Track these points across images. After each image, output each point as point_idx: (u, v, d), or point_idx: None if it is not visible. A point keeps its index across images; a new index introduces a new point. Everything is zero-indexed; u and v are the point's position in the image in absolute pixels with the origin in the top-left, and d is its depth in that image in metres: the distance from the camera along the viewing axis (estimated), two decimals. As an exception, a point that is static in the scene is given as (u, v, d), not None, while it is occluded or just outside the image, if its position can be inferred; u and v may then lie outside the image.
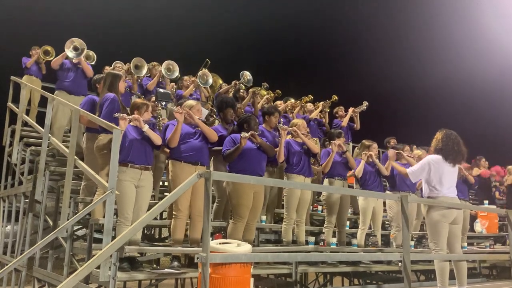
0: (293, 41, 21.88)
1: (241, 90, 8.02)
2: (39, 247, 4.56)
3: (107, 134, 4.76)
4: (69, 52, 6.90)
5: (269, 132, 6.00)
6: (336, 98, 9.17)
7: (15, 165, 7.46)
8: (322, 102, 8.99)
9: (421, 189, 5.36)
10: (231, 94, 7.72)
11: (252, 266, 3.29)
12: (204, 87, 7.96)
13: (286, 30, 21.26)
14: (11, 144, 7.78)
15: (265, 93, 8.44)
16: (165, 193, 6.02)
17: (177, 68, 7.48)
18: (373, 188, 6.34)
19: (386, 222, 7.17)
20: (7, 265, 6.49)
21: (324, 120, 8.89)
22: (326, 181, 6.36)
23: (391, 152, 6.60)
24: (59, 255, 5.61)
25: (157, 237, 6.97)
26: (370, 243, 6.21)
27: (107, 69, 7.59)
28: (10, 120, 8.08)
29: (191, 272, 4.62)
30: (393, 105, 20.02)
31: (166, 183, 6.16)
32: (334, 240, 6.00)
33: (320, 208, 7.11)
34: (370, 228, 6.50)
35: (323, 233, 6.18)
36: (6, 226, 7.79)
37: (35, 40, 8.99)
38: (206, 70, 7.87)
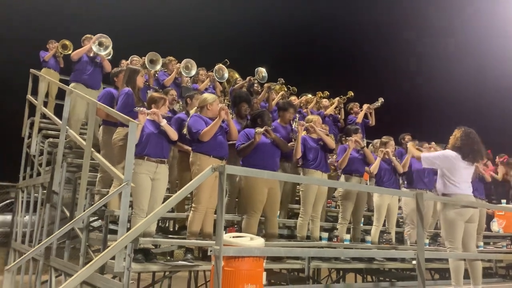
0: (310, 38, 21.77)
1: (255, 85, 8.02)
2: (56, 237, 4.65)
3: (123, 127, 4.82)
4: (94, 47, 6.99)
5: (283, 128, 6.00)
6: (352, 94, 9.10)
7: (34, 156, 7.61)
8: (337, 98, 8.93)
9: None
10: (245, 89, 7.73)
11: (264, 260, 3.31)
12: (220, 82, 7.98)
13: (304, 27, 21.17)
14: (30, 136, 7.93)
15: (279, 88, 8.42)
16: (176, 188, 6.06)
17: (195, 66, 7.51)
18: (389, 186, 6.29)
19: (401, 220, 7.11)
20: (24, 253, 6.66)
21: (339, 116, 8.84)
22: (342, 177, 6.34)
23: (410, 144, 6.49)
24: (75, 245, 5.71)
25: (171, 229, 7.04)
26: (384, 240, 6.17)
27: (124, 62, 7.66)
28: (29, 112, 8.22)
29: (204, 265, 4.66)
30: (410, 102, 19.81)
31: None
32: (348, 236, 5.98)
33: (334, 204, 7.09)
34: (384, 225, 6.46)
35: (337, 229, 6.17)
36: (25, 216, 7.95)
37: (53, 33, 9.13)
38: (222, 65, 7.89)
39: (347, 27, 20.76)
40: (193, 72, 7.52)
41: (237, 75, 8.70)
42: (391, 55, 20.38)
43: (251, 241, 3.30)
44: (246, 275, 3.11)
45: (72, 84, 7.04)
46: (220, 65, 7.88)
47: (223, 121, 4.97)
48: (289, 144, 5.69)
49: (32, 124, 7.80)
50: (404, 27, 20.28)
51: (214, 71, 7.63)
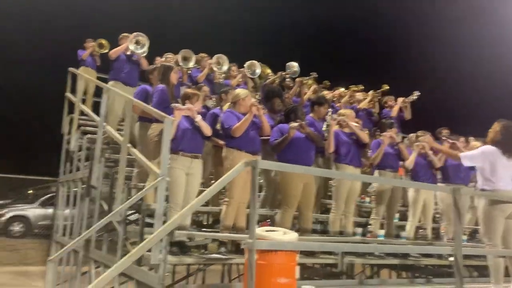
0: (345, 31, 21.50)
1: (287, 80, 8.00)
2: (95, 230, 4.82)
3: (159, 123, 4.92)
4: (131, 45, 7.15)
5: (317, 122, 5.97)
6: (387, 87, 8.92)
7: (73, 152, 7.88)
8: (372, 92, 8.77)
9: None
10: (277, 84, 7.72)
11: (298, 255, 3.32)
12: (251, 77, 8.00)
13: (337, 21, 20.92)
14: (69, 132, 8.21)
15: (312, 83, 8.35)
16: (212, 181, 6.14)
17: (226, 62, 7.55)
18: (425, 181, 6.15)
19: (437, 215, 6.94)
20: (65, 245, 6.93)
21: (373, 110, 8.67)
22: (376, 172, 6.25)
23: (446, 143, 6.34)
24: (113, 238, 5.89)
25: (205, 223, 7.15)
26: (419, 236, 6.05)
27: (158, 60, 7.80)
28: (68, 109, 8.51)
29: (238, 258, 4.72)
30: (448, 95, 19.25)
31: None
32: (382, 232, 5.90)
33: (368, 199, 7.00)
34: (420, 221, 6.33)
35: (370, 224, 6.09)
36: (65, 210, 8.26)
37: (91, 32, 9.40)
38: (255, 61, 7.90)
39: (383, 20, 20.36)
40: (225, 68, 7.57)
41: (268, 70, 8.69)
42: (430, 47, 19.86)
43: (284, 235, 3.31)
44: (279, 269, 3.13)
45: (110, 83, 7.24)
46: (252, 61, 7.90)
47: (255, 117, 5.00)
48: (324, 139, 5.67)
49: (71, 121, 8.07)
50: (443, 20, 19.69)
51: (246, 67, 7.66)
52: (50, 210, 13.73)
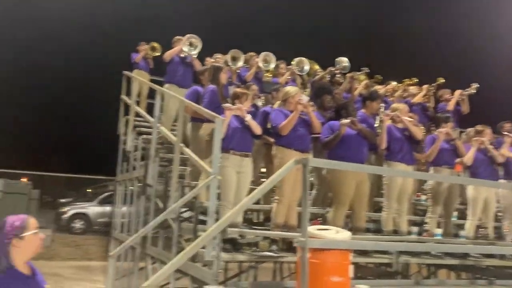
0: (397, 23, 20.88)
1: (337, 76, 7.87)
2: (151, 227, 4.99)
3: (210, 123, 5.02)
4: (185, 47, 7.33)
5: (370, 118, 5.83)
6: (443, 80, 8.55)
7: (129, 152, 8.20)
8: (426, 85, 8.44)
9: None
10: (326, 80, 7.62)
11: (351, 254, 3.27)
12: (300, 74, 7.95)
13: (389, 14, 20.36)
14: (125, 133, 8.56)
15: (363, 78, 8.16)
16: (262, 179, 6.17)
17: (274, 59, 7.56)
18: (485, 178, 5.83)
19: (499, 214, 6.58)
20: (123, 241, 7.22)
21: (429, 105, 8.33)
22: (431, 169, 6.01)
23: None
24: (168, 235, 6.07)
25: (256, 221, 7.20)
26: (480, 235, 5.77)
27: (208, 60, 7.94)
28: (124, 111, 8.87)
29: (289, 257, 4.71)
30: (509, 87, 18.17)
31: (263, 170, 6.30)
32: (439, 231, 5.68)
33: (423, 197, 6.75)
34: (480, 219, 6.03)
35: (427, 223, 5.88)
36: (123, 208, 8.62)
37: (143, 35, 9.73)
38: (304, 58, 7.85)
39: (438, 13, 19.59)
40: (272, 65, 7.57)
41: (317, 67, 8.59)
42: (488, 40, 18.85)
43: (337, 234, 3.28)
44: (332, 268, 3.10)
45: (166, 85, 7.45)
46: (301, 57, 7.85)
47: (304, 114, 4.97)
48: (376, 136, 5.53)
49: (127, 122, 8.41)
50: (504, 13, 18.63)
51: (294, 63, 7.63)
52: (108, 208, 14.37)
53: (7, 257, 2.23)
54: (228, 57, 7.26)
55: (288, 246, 4.83)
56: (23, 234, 2.28)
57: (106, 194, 15.50)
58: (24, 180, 14.12)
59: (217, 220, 4.24)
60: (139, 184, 7.18)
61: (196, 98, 5.73)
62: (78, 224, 14.54)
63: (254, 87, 6.16)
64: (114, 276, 5.27)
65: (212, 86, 5.31)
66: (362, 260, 5.12)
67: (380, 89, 8.00)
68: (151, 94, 8.51)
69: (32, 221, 2.36)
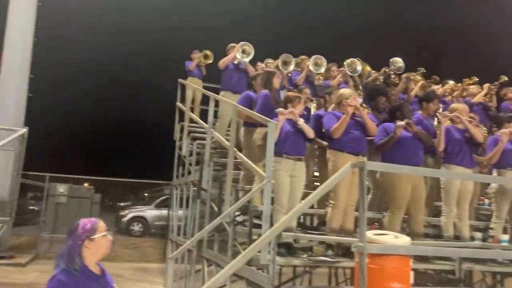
0: (452, 20, 20.07)
1: (392, 76, 7.66)
2: (207, 231, 5.09)
3: (263, 128, 5.06)
4: (238, 54, 7.48)
5: (426, 120, 5.64)
6: (506, 78, 8.08)
7: (185, 157, 8.45)
8: (488, 84, 8.02)
9: None
10: (380, 82, 7.45)
11: (411, 260, 3.17)
12: (351, 76, 7.82)
13: (442, 12, 19.59)
14: (181, 139, 8.82)
15: (420, 78, 7.89)
16: (315, 183, 6.13)
17: (325, 62, 7.49)
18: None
19: None
20: (180, 244, 7.42)
21: (491, 104, 7.91)
22: (495, 172, 5.70)
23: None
24: (223, 238, 6.17)
25: (309, 225, 7.15)
26: (552, 242, 5.38)
27: (259, 65, 8.02)
28: (179, 117, 9.14)
29: (345, 262, 4.64)
30: None
31: (316, 174, 6.26)
32: (506, 237, 5.36)
33: (487, 201, 6.41)
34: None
35: (491, 228, 5.57)
36: (179, 211, 8.88)
37: (196, 43, 9.99)
38: (356, 59, 7.72)
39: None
40: (323, 69, 7.51)
41: (369, 68, 8.42)
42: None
43: (396, 239, 3.19)
44: (392, 274, 3.03)
45: (221, 93, 7.63)
46: (353, 58, 7.72)
47: (357, 116, 4.89)
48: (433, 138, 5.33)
49: (182, 128, 8.66)
50: None
51: (346, 65, 7.52)
52: (164, 211, 14.82)
53: (81, 258, 2.37)
54: (279, 61, 7.29)
55: (344, 251, 4.76)
56: (94, 236, 2.41)
57: (162, 198, 16.00)
58: (86, 185, 14.86)
59: (271, 224, 4.28)
60: (194, 188, 7.37)
61: (249, 103, 5.80)
62: (136, 227, 15.10)
63: (307, 90, 6.13)
64: (173, 277, 5.43)
65: (265, 91, 5.36)
66: (422, 266, 4.94)
67: (438, 89, 7.70)
68: (205, 100, 8.72)
69: (101, 224, 2.50)
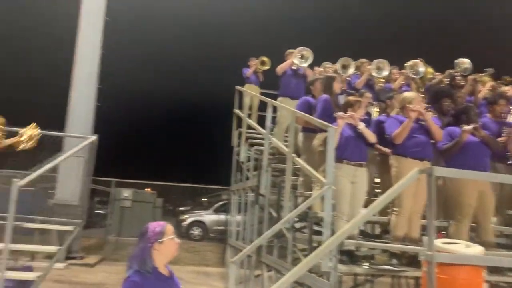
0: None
1: (457, 78, 7.31)
2: (267, 237, 5.10)
3: (322, 133, 5.02)
4: (296, 60, 7.47)
5: (494, 123, 5.32)
6: None
7: (242, 163, 8.55)
8: None
9: None
10: (444, 84, 7.13)
11: (484, 271, 3.00)
12: (413, 79, 7.55)
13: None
14: (238, 145, 8.94)
15: (488, 80, 7.46)
16: (376, 190, 5.96)
17: (387, 66, 7.29)
18: None
19: None
20: (239, 249, 7.49)
21: None
22: None
23: None
24: (282, 244, 6.15)
25: (370, 232, 6.96)
26: None
27: (316, 70, 7.96)
28: (237, 124, 9.28)
29: (410, 271, 4.47)
30: None
31: (377, 180, 6.10)
32: None
33: None
34: None
35: None
36: (237, 216, 8.99)
37: (253, 50, 10.10)
38: (418, 60, 7.46)
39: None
40: (386, 72, 7.31)
41: (431, 70, 8.10)
42: None
43: (468, 248, 3.03)
44: (463, 285, 2.88)
45: (279, 99, 7.62)
46: (415, 60, 7.46)
47: (421, 120, 4.71)
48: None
49: (240, 135, 8.77)
50: None
51: (408, 67, 7.27)
52: (222, 216, 15.08)
53: (151, 260, 2.47)
54: (337, 65, 7.19)
55: (409, 260, 4.58)
56: (163, 239, 2.50)
57: (221, 203, 16.29)
58: (148, 190, 15.45)
59: (332, 231, 4.21)
60: (252, 194, 7.43)
61: (307, 108, 5.77)
62: (196, 231, 15.45)
63: (368, 94, 5.99)
64: (236, 281, 5.50)
65: (325, 96, 5.31)
66: (494, 278, 4.64)
67: (508, 90, 7.24)
68: (262, 106, 8.79)
69: (169, 228, 2.58)
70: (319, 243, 4.37)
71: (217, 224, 15.42)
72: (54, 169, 8.20)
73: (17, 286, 5.12)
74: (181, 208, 18.52)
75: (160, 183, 15.12)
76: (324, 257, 3.98)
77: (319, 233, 4.60)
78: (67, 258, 8.39)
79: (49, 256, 6.32)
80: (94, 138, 6.82)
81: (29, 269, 5.60)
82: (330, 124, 4.52)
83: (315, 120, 4.95)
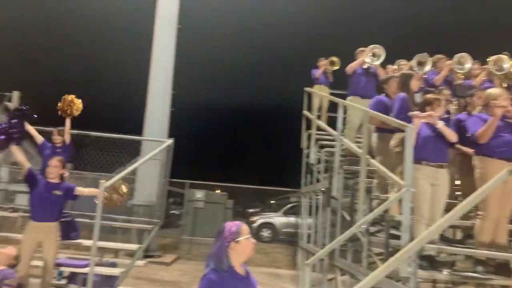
0: None
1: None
2: (341, 240, 5.01)
3: (400, 133, 4.83)
4: (368, 58, 7.31)
5: None
6: None
7: (313, 165, 8.47)
8: None
9: None
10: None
11: None
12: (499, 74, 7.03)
13: None
14: (308, 147, 8.88)
15: None
16: (456, 192, 5.63)
17: (469, 60, 6.88)
18: None
19: None
20: (311, 252, 7.43)
21: None
22: None
23: None
24: (356, 247, 6.01)
25: (450, 237, 6.59)
26: None
27: (389, 68, 7.71)
28: (306, 125, 9.22)
29: (499, 280, 4.16)
30: None
31: (457, 182, 5.76)
32: None
33: None
34: None
35: None
36: (307, 219, 8.93)
37: (321, 52, 10.00)
38: (503, 54, 6.94)
39: None
40: (468, 66, 6.88)
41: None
42: None
43: None
44: None
45: (349, 98, 7.51)
46: (498, 55, 6.96)
47: (507, 118, 4.38)
48: None
49: (309, 136, 8.71)
50: None
51: (491, 62, 6.79)
52: (291, 219, 15.06)
53: (228, 259, 2.52)
54: (413, 62, 6.89)
55: (497, 268, 4.27)
56: (239, 239, 2.54)
57: (290, 205, 16.28)
58: (219, 191, 15.81)
59: (411, 235, 4.04)
60: (323, 196, 7.33)
61: (381, 107, 5.58)
62: (265, 233, 15.57)
63: (446, 91, 5.69)
64: (309, 284, 5.47)
65: (402, 95, 5.11)
66: None
67: None
68: (332, 107, 8.66)
69: (245, 228, 2.62)
70: (396, 248, 4.22)
71: (287, 226, 15.43)
72: (133, 171, 8.67)
73: (103, 281, 5.48)
74: (251, 210, 18.74)
75: (231, 184, 15.41)
76: (403, 262, 3.83)
77: (395, 237, 4.45)
78: (146, 256, 8.85)
79: (129, 254, 6.70)
80: (170, 141, 7.12)
81: (113, 265, 5.98)
82: (406, 124, 4.35)
83: (391, 120, 4.78)
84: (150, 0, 11.84)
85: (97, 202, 5.03)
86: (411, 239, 3.99)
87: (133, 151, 9.98)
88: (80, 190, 5.34)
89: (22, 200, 10.97)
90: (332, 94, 8.98)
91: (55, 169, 5.25)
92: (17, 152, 5.37)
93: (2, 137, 5.32)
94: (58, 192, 5.24)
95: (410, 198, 4.13)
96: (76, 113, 6.41)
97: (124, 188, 5.36)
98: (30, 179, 5.23)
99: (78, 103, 6.42)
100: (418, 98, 5.33)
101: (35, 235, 5.11)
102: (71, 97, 6.40)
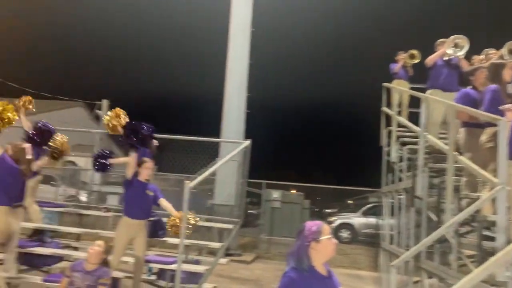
0: None
1: None
2: (430, 241, 4.76)
3: (491, 127, 4.51)
4: (449, 50, 6.96)
5: None
6: None
7: (394, 163, 8.15)
8: None
9: None
10: None
11: None
12: None
13: None
14: (388, 144, 8.56)
15: None
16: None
17: None
18: None
19: None
20: (394, 254, 7.16)
21: None
22: None
23: None
24: (443, 249, 5.69)
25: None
26: None
27: (476, 58, 7.22)
28: (385, 122, 8.90)
29: None
30: None
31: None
32: None
33: None
34: None
35: None
36: (390, 219, 8.60)
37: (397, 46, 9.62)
38: None
39: None
40: None
41: None
42: None
43: None
44: None
45: (428, 91, 7.16)
46: None
47: None
48: None
49: (389, 133, 8.39)
50: None
51: None
52: (371, 219, 14.63)
53: (308, 258, 2.51)
54: (504, 51, 6.37)
55: None
56: (320, 238, 2.53)
57: (369, 205, 15.84)
58: (294, 191, 15.77)
59: (508, 237, 3.75)
60: (407, 196, 7.03)
61: (468, 101, 5.23)
62: (344, 234, 15.30)
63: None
64: (395, 286, 5.29)
65: (493, 86, 4.75)
66: None
67: None
68: (413, 102, 8.29)
69: (326, 227, 2.60)
70: (490, 250, 3.93)
71: (366, 227, 15.05)
72: (213, 172, 8.97)
73: (189, 277, 5.71)
74: (328, 210, 18.49)
75: (307, 184, 15.32)
76: (502, 266, 3.55)
77: (488, 238, 4.15)
78: (227, 254, 9.09)
79: (211, 252, 6.92)
80: (248, 142, 7.26)
81: (197, 262, 6.22)
82: (499, 117, 4.04)
83: (481, 114, 4.47)
84: (224, 7, 12.17)
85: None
86: (508, 241, 3.71)
87: (213, 152, 10.31)
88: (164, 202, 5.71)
89: (113, 201, 11.85)
90: (412, 88, 8.59)
91: (150, 171, 5.63)
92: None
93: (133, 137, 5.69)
94: (150, 193, 5.62)
95: (506, 197, 3.83)
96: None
97: (192, 220, 5.51)
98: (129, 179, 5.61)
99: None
100: (511, 89, 4.94)
101: (129, 231, 5.48)
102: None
